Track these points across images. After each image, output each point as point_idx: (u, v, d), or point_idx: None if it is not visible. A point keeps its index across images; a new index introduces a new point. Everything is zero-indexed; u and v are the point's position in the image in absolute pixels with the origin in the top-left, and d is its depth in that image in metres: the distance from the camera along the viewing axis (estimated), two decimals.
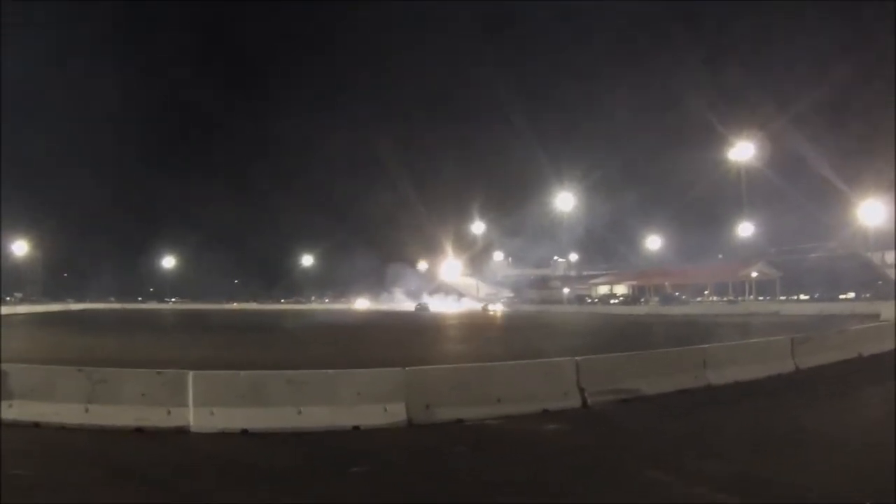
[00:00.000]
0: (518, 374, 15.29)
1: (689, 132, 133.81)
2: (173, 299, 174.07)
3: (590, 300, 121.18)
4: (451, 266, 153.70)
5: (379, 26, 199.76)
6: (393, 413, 13.15)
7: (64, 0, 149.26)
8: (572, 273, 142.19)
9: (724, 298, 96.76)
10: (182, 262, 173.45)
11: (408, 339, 42.34)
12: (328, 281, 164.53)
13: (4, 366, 13.63)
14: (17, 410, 13.00)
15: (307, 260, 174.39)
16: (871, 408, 15.66)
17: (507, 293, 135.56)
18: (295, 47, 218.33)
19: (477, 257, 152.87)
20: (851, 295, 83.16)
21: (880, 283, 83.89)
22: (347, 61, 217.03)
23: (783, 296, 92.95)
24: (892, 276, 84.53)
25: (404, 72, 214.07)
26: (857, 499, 8.68)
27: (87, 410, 12.92)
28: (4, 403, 13.08)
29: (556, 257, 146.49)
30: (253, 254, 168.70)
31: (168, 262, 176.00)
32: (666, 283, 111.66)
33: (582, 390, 14.98)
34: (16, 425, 12.63)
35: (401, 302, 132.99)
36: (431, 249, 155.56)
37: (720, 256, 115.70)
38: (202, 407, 12.89)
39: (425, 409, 13.42)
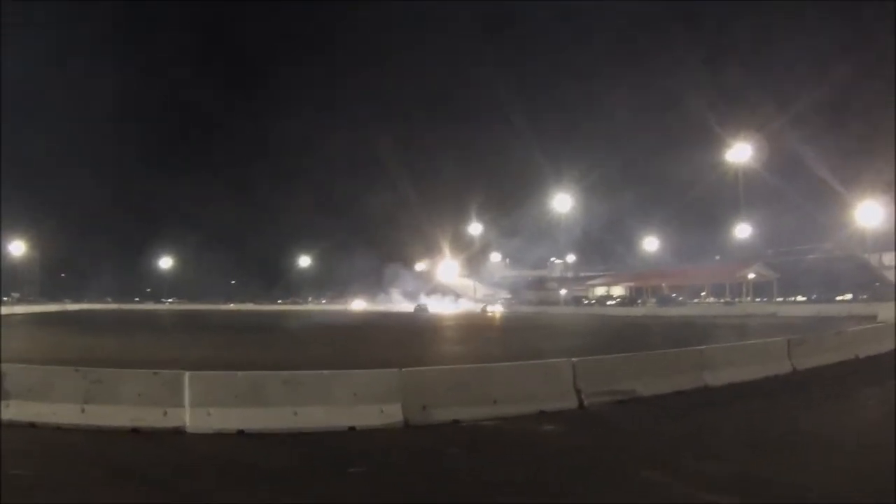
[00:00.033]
0: (514, 375, 15.29)
1: (686, 133, 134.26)
2: (170, 300, 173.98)
3: (587, 301, 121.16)
4: (448, 267, 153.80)
5: (379, 26, 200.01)
6: (389, 414, 13.15)
7: (64, 0, 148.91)
8: (569, 274, 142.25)
9: (722, 300, 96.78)
10: (180, 263, 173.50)
11: (408, 339, 42.42)
12: (325, 282, 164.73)
13: (2, 366, 13.63)
14: (13, 410, 12.98)
15: (305, 261, 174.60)
16: (868, 409, 15.73)
17: (505, 294, 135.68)
18: (295, 47, 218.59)
19: (474, 258, 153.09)
20: (849, 296, 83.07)
21: (877, 284, 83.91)
22: (347, 61, 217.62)
23: (780, 297, 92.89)
24: (890, 278, 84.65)
25: (403, 72, 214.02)
26: (856, 499, 8.69)
27: (83, 411, 12.90)
28: (3, 403, 13.07)
29: (553, 258, 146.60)
30: (251, 254, 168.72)
31: (165, 262, 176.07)
32: (663, 285, 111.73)
33: (578, 391, 14.99)
34: (12, 425, 12.60)
35: (398, 303, 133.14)
36: (429, 250, 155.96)
37: (717, 258, 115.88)
38: (199, 407, 12.88)
39: (422, 410, 13.42)
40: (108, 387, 13.17)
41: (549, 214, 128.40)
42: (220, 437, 12.46)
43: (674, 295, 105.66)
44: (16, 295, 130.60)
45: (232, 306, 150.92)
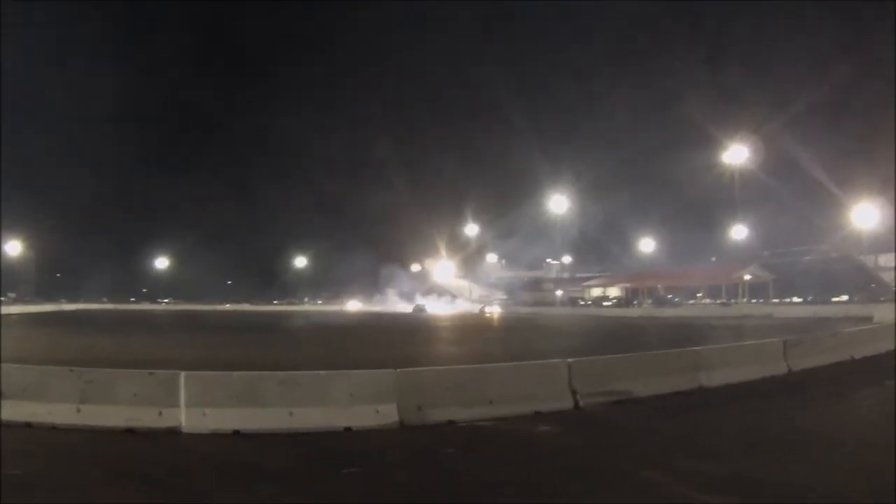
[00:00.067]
0: (510, 375, 15.30)
1: (683, 134, 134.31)
2: (166, 300, 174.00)
3: (582, 302, 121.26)
4: (444, 267, 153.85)
5: (377, 26, 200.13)
6: (385, 414, 13.14)
7: (64, 0, 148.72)
8: (565, 275, 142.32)
9: (718, 301, 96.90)
10: (176, 263, 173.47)
11: (407, 340, 42.44)
12: (322, 282, 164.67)
13: (2, 366, 13.63)
14: (9, 410, 12.94)
15: (301, 261, 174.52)
16: (865, 409, 15.74)
17: (501, 295, 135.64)
18: (293, 47, 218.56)
19: (470, 259, 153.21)
20: (844, 298, 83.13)
21: (873, 285, 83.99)
22: (345, 61, 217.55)
23: (776, 298, 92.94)
24: (886, 279, 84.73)
25: (400, 72, 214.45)
26: (855, 499, 8.69)
27: (78, 411, 12.88)
28: (2, 403, 13.05)
29: (549, 259, 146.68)
30: (247, 254, 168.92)
31: (162, 262, 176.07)
32: (659, 286, 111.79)
33: (574, 392, 14.99)
34: (8, 425, 12.58)
35: (394, 303, 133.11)
36: (425, 251, 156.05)
37: (713, 259, 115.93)
38: (194, 407, 12.86)
39: (417, 411, 13.42)
40: (103, 387, 13.16)
41: (545, 215, 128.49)
42: (215, 437, 12.45)
43: (670, 296, 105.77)
44: (12, 295, 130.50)
45: (228, 306, 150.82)
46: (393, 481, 9.97)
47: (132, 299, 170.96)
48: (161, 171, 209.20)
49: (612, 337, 42.44)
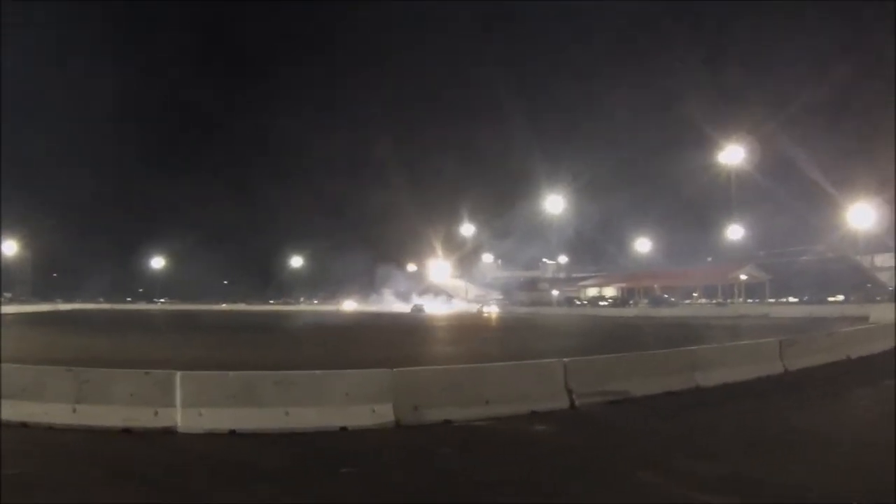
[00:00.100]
0: (506, 375, 15.30)
1: (679, 134, 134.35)
2: (162, 300, 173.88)
3: (579, 302, 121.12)
4: (440, 267, 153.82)
5: (376, 26, 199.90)
6: (381, 414, 13.14)
7: (64, 0, 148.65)
8: (561, 275, 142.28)
9: (714, 301, 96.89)
10: (172, 263, 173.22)
11: (406, 339, 42.50)
12: (318, 282, 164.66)
13: (2, 366, 13.64)
14: (7, 410, 12.95)
15: (297, 261, 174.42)
16: (861, 409, 15.76)
17: (497, 295, 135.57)
18: (293, 47, 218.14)
19: (466, 259, 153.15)
20: (840, 298, 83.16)
21: (869, 285, 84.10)
22: (344, 61, 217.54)
23: (772, 298, 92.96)
24: (882, 279, 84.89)
25: (399, 72, 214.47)
26: (852, 499, 8.69)
27: (74, 410, 12.89)
28: (2, 402, 13.05)
29: (545, 259, 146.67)
30: (243, 254, 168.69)
31: (158, 262, 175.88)
32: (655, 286, 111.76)
33: (570, 392, 14.99)
34: (5, 425, 12.58)
35: (390, 303, 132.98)
36: (421, 251, 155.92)
37: (709, 259, 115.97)
38: (190, 407, 12.86)
39: (413, 411, 13.42)
40: (99, 387, 13.17)
41: (541, 215, 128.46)
42: (211, 437, 12.45)
43: (665, 296, 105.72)
44: (8, 295, 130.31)
45: (224, 306, 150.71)
46: (389, 481, 9.97)
47: (129, 299, 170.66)
48: (158, 171, 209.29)
49: (609, 337, 42.42)
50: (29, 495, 9.08)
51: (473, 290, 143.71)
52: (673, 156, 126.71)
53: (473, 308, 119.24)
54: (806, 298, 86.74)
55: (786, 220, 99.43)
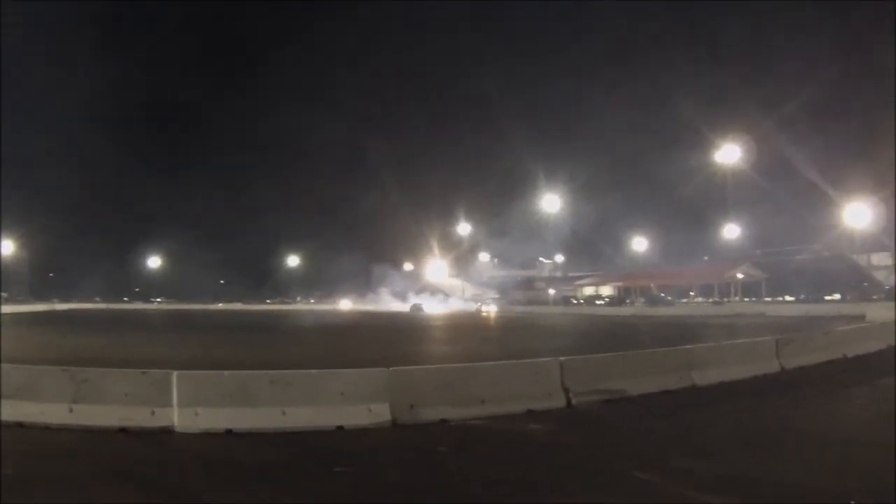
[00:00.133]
0: (502, 374, 15.31)
1: (676, 134, 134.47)
2: (159, 299, 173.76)
3: (575, 301, 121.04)
4: (437, 267, 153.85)
5: (370, 26, 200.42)
6: (377, 413, 13.14)
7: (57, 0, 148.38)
8: (558, 274, 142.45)
9: (710, 300, 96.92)
10: (168, 262, 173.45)
11: (405, 339, 42.56)
12: (314, 281, 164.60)
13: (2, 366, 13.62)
14: (5, 410, 12.94)
15: (293, 260, 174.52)
16: (857, 408, 15.77)
17: (493, 294, 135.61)
18: (285, 46, 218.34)
19: (463, 258, 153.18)
20: (837, 296, 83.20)
21: (866, 284, 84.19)
22: (337, 61, 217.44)
23: (769, 297, 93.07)
24: (879, 278, 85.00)
25: (393, 72, 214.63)
26: (847, 497, 8.67)
27: (71, 410, 12.87)
28: (2, 402, 13.02)
29: (541, 258, 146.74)
30: (239, 254, 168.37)
31: (154, 262, 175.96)
32: (652, 285, 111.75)
33: (566, 390, 15.01)
34: (2, 426, 12.57)
35: (387, 302, 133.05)
36: (417, 250, 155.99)
37: (706, 258, 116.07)
38: (186, 407, 12.85)
39: (409, 410, 13.42)
40: (96, 386, 13.14)
41: (537, 214, 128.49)
42: (208, 436, 12.44)
43: (662, 295, 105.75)
44: (4, 295, 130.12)
45: (220, 306, 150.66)
46: (386, 480, 9.96)
47: (125, 299, 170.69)
48: (154, 171, 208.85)
49: (606, 336, 42.47)
50: (27, 495, 9.07)
51: (470, 289, 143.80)
52: (669, 155, 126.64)
53: (472, 307, 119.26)
54: (802, 297, 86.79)
55: (782, 219, 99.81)
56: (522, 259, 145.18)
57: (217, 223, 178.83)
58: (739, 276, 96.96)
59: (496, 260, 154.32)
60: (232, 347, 34.23)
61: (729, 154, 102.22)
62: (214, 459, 11.13)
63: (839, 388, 17.95)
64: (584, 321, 67.85)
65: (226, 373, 14.11)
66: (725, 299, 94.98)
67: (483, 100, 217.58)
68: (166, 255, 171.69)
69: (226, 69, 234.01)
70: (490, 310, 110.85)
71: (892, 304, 47.93)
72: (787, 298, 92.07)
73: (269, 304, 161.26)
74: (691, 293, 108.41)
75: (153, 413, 12.82)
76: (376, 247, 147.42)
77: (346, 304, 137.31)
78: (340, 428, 12.78)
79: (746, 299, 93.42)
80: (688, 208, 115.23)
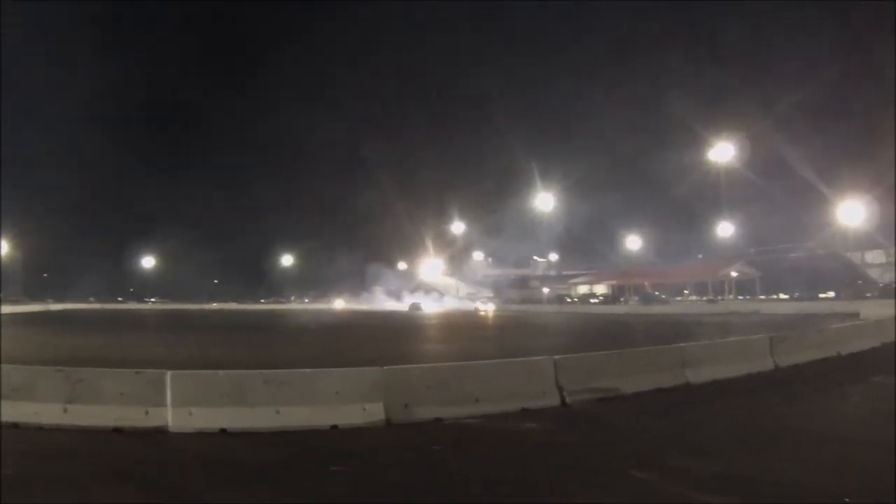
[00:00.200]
0: (496, 373, 15.31)
1: (670, 132, 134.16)
2: (153, 299, 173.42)
3: (569, 300, 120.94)
4: (431, 265, 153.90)
5: (365, 25, 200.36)
6: (371, 412, 13.15)
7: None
8: (552, 273, 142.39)
9: (704, 298, 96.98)
10: (163, 262, 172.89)
11: (403, 337, 42.64)
12: (309, 281, 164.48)
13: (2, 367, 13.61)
14: (3, 411, 12.92)
15: (288, 260, 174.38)
16: (851, 406, 15.75)
17: (487, 293, 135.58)
18: (285, 47, 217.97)
19: (457, 257, 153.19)
20: (831, 294, 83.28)
21: (860, 282, 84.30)
22: (332, 60, 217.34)
23: (763, 295, 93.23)
24: (873, 276, 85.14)
25: (387, 71, 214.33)
26: (844, 496, 8.68)
27: (66, 410, 12.86)
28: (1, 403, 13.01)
29: (535, 257, 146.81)
30: (234, 254, 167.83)
31: (149, 262, 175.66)
32: (646, 283, 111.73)
33: (560, 389, 15.03)
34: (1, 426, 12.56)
35: (381, 302, 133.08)
36: (412, 249, 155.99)
37: (700, 256, 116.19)
38: (181, 407, 12.85)
39: (404, 409, 13.44)
40: (90, 386, 13.12)
41: (531, 213, 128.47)
42: (202, 436, 12.44)
43: (656, 293, 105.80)
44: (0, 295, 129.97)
45: (215, 306, 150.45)
46: (381, 479, 9.97)
47: (119, 299, 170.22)
48: (149, 170, 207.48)
49: (600, 334, 42.56)
50: (27, 495, 9.07)
51: (464, 288, 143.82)
52: (663, 153, 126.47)
53: (469, 306, 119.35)
54: (797, 295, 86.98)
55: (776, 218, 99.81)
56: (517, 258, 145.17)
57: (212, 223, 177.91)
58: (734, 274, 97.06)
59: (490, 258, 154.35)
60: (229, 347, 34.16)
61: (723, 152, 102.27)
62: (209, 459, 11.13)
63: (833, 385, 17.99)
64: (579, 320, 67.88)
65: (220, 372, 14.13)
66: (719, 297, 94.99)
67: (480, 99, 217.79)
68: (161, 254, 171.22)
69: (226, 69, 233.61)
70: (488, 308, 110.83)
71: (887, 301, 48.10)
72: (782, 296, 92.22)
73: (263, 303, 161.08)
74: (685, 291, 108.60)
75: (147, 413, 12.81)
76: (371, 246, 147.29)
77: (340, 304, 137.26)
78: (335, 427, 12.79)
79: (740, 297, 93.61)
80: (682, 206, 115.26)
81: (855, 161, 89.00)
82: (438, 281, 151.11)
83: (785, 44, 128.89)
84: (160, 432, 12.61)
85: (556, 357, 15.56)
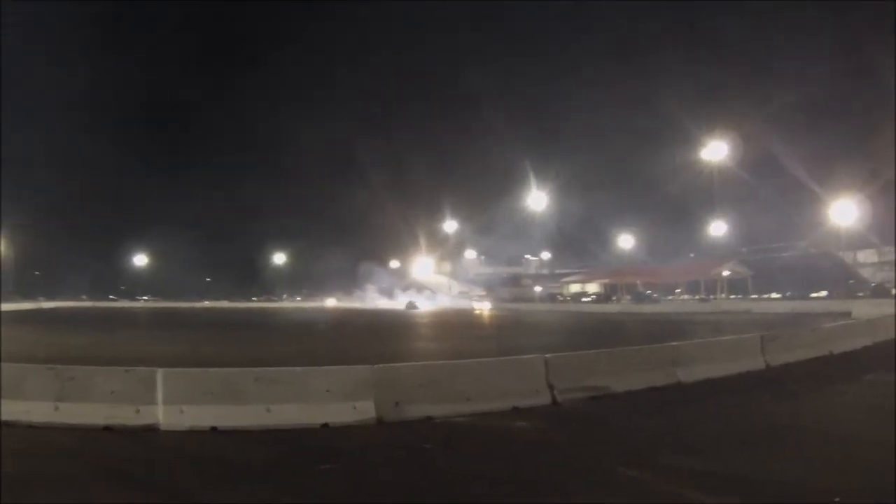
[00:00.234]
0: (487, 371, 15.31)
1: (662, 131, 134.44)
2: (145, 297, 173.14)
3: (561, 298, 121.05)
4: (423, 264, 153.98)
5: (358, 24, 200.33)
6: (362, 410, 13.14)
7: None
8: (544, 271, 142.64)
9: (696, 297, 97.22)
10: (154, 260, 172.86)
11: (397, 336, 42.64)
12: (301, 279, 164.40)
13: None
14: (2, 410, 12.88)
15: (280, 258, 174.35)
16: (842, 404, 15.74)
17: (480, 291, 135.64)
18: (278, 47, 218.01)
19: (449, 255, 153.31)
20: (823, 293, 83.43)
21: (852, 281, 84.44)
22: (324, 60, 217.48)
23: (755, 294, 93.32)
24: (865, 275, 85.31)
25: (379, 71, 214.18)
26: (842, 495, 8.67)
27: (56, 409, 12.81)
28: None
29: (527, 255, 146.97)
30: (226, 252, 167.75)
31: (140, 259, 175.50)
32: (638, 282, 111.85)
33: (551, 387, 15.02)
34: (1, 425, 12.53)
35: (374, 300, 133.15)
36: (404, 247, 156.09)
37: (692, 255, 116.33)
38: (171, 405, 12.82)
39: (395, 407, 13.42)
40: (81, 385, 13.08)
41: (523, 212, 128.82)
42: (193, 434, 12.40)
43: (648, 292, 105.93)
44: None
45: (206, 304, 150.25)
46: (372, 477, 9.95)
47: (111, 297, 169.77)
48: (141, 168, 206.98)
49: (592, 332, 42.62)
50: (27, 495, 9.04)
51: (457, 287, 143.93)
52: (656, 152, 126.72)
53: (462, 304, 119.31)
54: (789, 294, 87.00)
55: (768, 217, 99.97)
56: (509, 256, 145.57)
57: (204, 221, 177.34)
58: (726, 273, 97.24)
59: (483, 257, 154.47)
60: (220, 345, 34.18)
61: (715, 151, 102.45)
62: (200, 457, 11.11)
63: (825, 384, 17.99)
64: (571, 318, 67.93)
65: (211, 370, 14.07)
66: (712, 296, 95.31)
67: (473, 99, 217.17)
68: (152, 252, 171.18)
69: (216, 68, 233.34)
70: (483, 307, 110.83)
71: (878, 300, 48.25)
72: (774, 295, 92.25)
73: (255, 301, 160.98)
74: (677, 290, 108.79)
75: (138, 411, 12.78)
76: (363, 244, 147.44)
77: (331, 302, 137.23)
78: (326, 425, 12.77)
79: (733, 296, 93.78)
80: (674, 205, 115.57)
81: (847, 160, 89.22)
82: (430, 279, 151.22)
83: (777, 41, 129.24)
84: (151, 430, 12.57)
85: (547, 356, 15.55)
